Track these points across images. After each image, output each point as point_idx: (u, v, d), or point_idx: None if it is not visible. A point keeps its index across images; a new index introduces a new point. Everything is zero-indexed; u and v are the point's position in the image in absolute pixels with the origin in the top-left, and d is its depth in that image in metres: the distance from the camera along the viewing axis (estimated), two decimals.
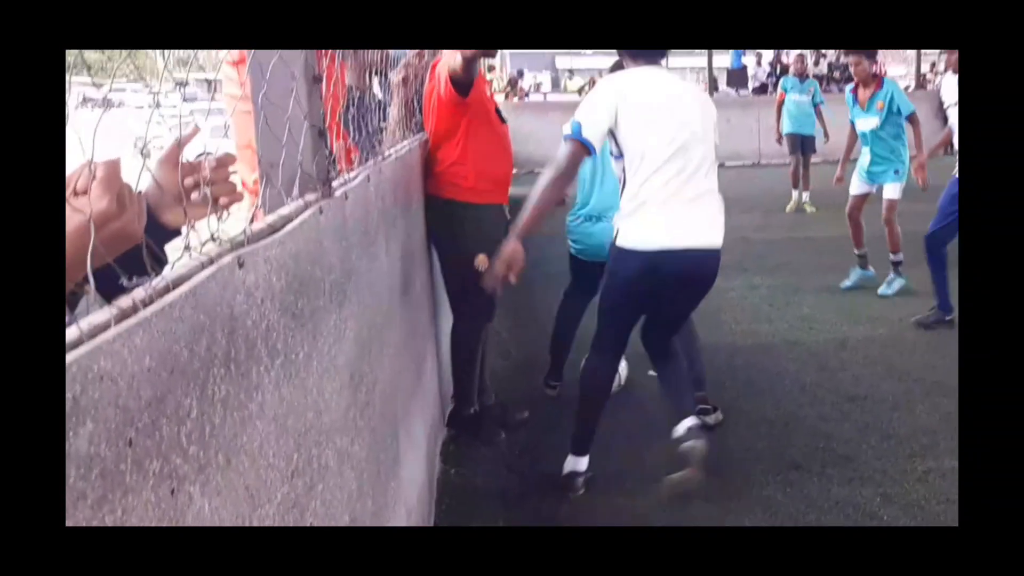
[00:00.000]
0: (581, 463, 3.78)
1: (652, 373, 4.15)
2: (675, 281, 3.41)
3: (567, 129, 3.48)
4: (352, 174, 2.28)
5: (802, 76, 11.88)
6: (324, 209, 1.84)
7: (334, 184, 2.03)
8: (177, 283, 1.17)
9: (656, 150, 3.34)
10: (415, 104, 4.10)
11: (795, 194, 11.67)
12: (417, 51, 4.15)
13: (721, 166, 13.35)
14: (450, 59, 3.76)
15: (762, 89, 20.96)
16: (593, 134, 3.29)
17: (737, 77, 22.01)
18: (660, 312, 3.68)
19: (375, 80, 3.71)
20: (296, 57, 1.86)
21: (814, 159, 11.93)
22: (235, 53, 2.42)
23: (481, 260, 3.89)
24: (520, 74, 24.03)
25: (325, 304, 1.79)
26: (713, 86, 20.93)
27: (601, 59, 31.67)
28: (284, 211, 1.67)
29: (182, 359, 1.12)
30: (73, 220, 1.13)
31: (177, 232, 1.58)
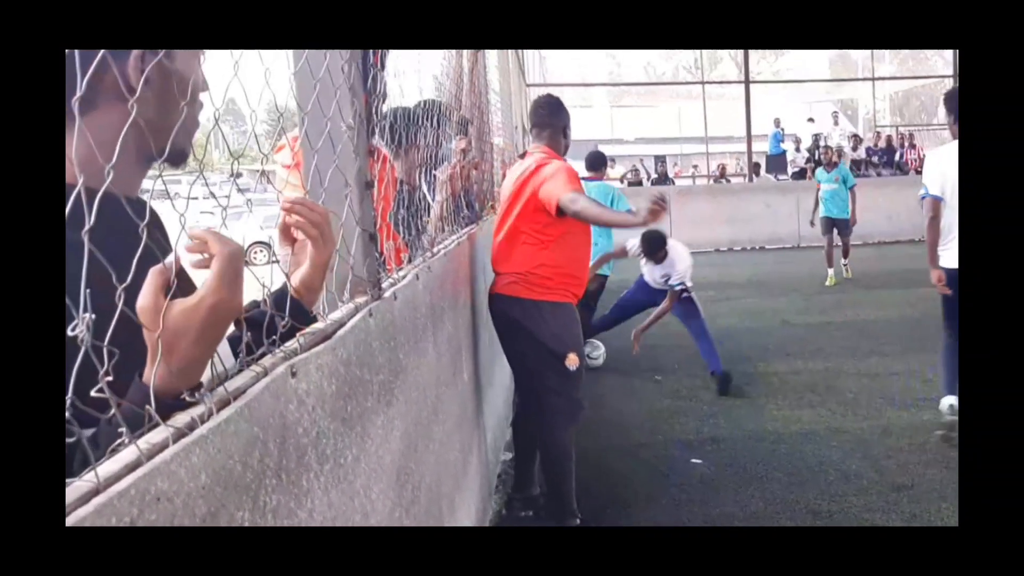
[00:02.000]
0: None
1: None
2: None
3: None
4: (401, 273, 2.30)
5: (830, 166, 12.63)
6: (374, 312, 1.85)
7: (383, 285, 2.04)
8: (235, 395, 1.18)
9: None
10: (462, 199, 4.15)
11: (831, 271, 12.37)
12: (462, 148, 4.21)
13: (761, 249, 13.60)
14: (562, 186, 3.77)
15: (801, 174, 20.98)
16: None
17: (776, 162, 22.05)
18: None
19: (423, 177, 3.77)
20: (349, 163, 1.90)
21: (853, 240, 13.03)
22: (287, 154, 2.47)
23: (572, 359, 3.91)
24: None
25: (373, 405, 1.79)
26: (754, 171, 21.03)
27: (640, 147, 31.99)
28: (336, 315, 1.69)
29: (236, 473, 1.12)
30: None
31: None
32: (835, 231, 12.32)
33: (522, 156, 4.19)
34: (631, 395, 6.65)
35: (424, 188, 3.81)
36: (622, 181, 21.45)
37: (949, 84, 21.87)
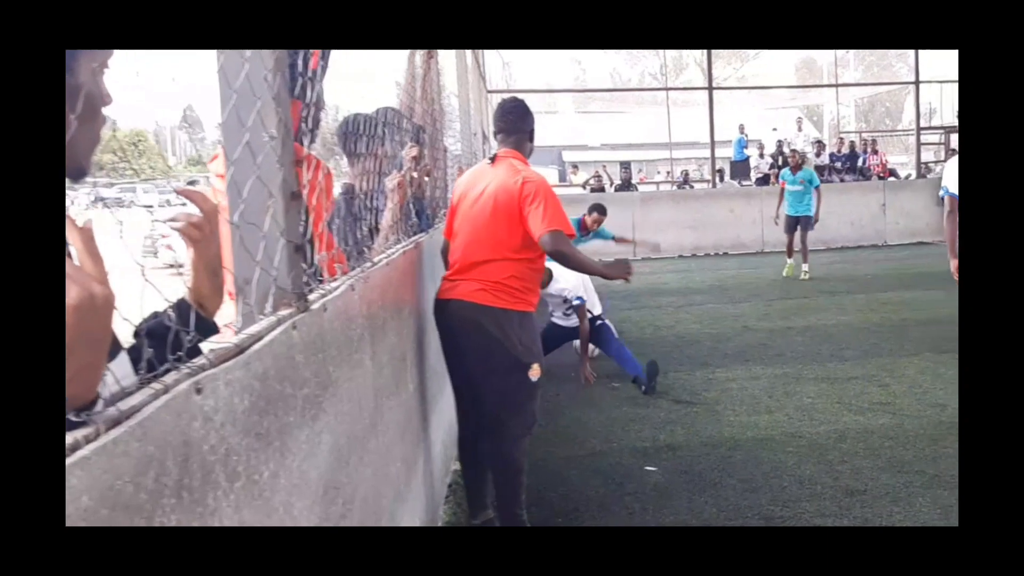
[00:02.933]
0: None
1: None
2: None
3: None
4: (334, 284, 2.27)
5: (795, 168, 13.66)
6: (299, 324, 1.82)
7: (312, 297, 2.02)
8: (129, 414, 1.15)
9: None
10: (411, 207, 4.12)
11: (789, 261, 13.76)
12: (414, 156, 4.19)
13: (724, 255, 13.76)
14: (550, 219, 3.76)
15: (764, 180, 21.11)
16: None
17: (740, 168, 22.19)
18: None
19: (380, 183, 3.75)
20: (273, 174, 1.87)
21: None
22: (220, 163, 2.44)
23: (536, 370, 3.88)
24: None
25: (296, 420, 1.76)
26: (718, 177, 21.14)
27: (606, 153, 32.10)
28: (253, 329, 1.65)
29: (125, 494, 1.09)
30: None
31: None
32: (798, 228, 13.39)
33: (492, 160, 4.10)
34: (589, 403, 6.64)
35: (379, 196, 3.80)
36: (584, 187, 21.51)
37: (913, 90, 22.11)
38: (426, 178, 4.70)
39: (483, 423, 4.03)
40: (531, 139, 4.14)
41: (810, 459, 5.18)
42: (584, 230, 9.71)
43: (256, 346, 1.57)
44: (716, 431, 5.78)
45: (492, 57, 20.42)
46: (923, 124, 22.95)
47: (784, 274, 13.70)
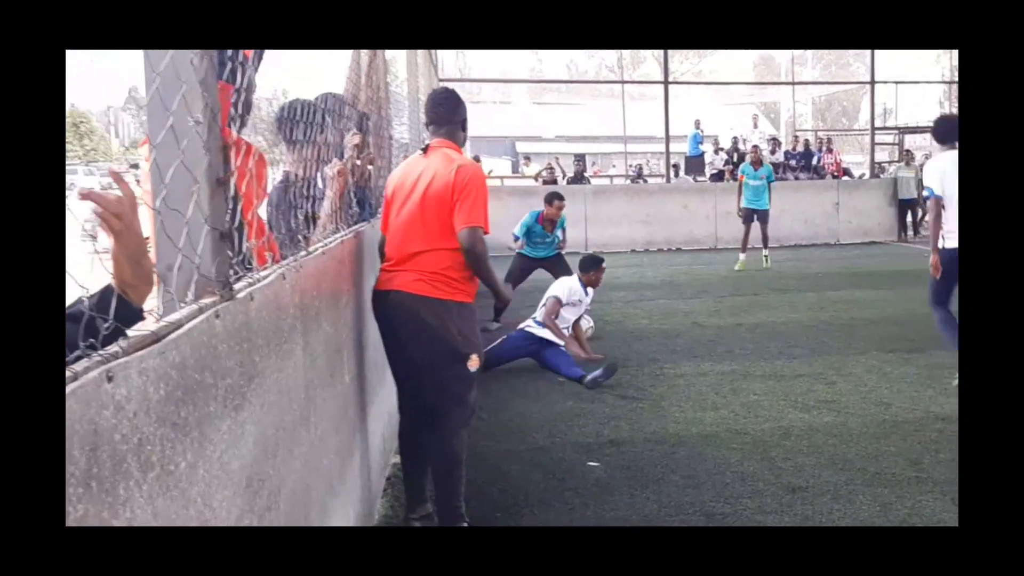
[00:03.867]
0: None
1: None
2: None
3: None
4: (263, 273, 2.26)
5: (757, 164, 14.39)
6: (222, 313, 1.82)
7: (238, 286, 2.01)
8: None
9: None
10: (352, 196, 4.10)
11: (742, 257, 14.34)
12: (356, 144, 4.17)
13: (677, 250, 13.83)
14: (473, 215, 3.77)
15: (719, 176, 21.30)
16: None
17: (695, 164, 22.36)
18: None
19: (319, 170, 3.73)
20: (198, 159, 1.86)
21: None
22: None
23: (475, 361, 3.88)
24: (476, 159, 24.19)
25: (217, 410, 1.76)
26: (673, 172, 21.28)
27: (560, 144, 32.14)
28: (173, 317, 1.65)
29: None
30: None
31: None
32: (755, 220, 14.26)
33: (424, 150, 4.09)
34: (533, 397, 6.66)
35: (320, 183, 3.78)
36: (537, 179, 21.54)
37: (868, 90, 22.42)
38: (369, 166, 4.68)
39: (423, 414, 4.03)
40: (463, 128, 4.14)
41: (753, 456, 5.24)
42: (545, 224, 9.79)
43: (174, 334, 1.57)
44: (661, 427, 5.83)
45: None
46: (878, 124, 23.28)
47: (737, 268, 14.19)
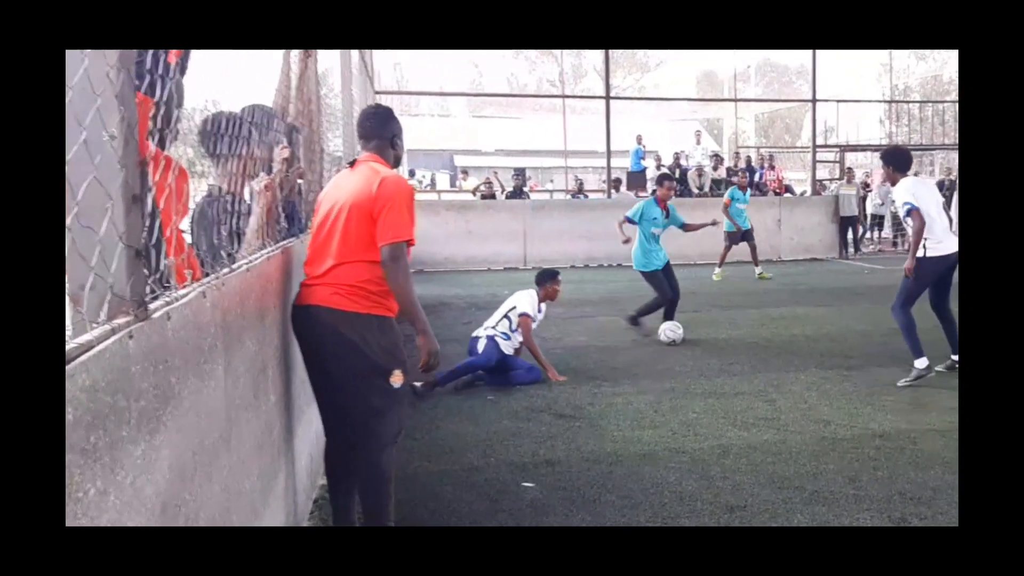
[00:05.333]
0: None
1: None
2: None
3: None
4: (183, 291, 2.24)
5: (743, 188, 15.98)
6: (136, 333, 1.80)
7: (154, 305, 1.99)
8: None
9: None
10: (280, 211, 4.08)
11: (719, 270, 15.74)
12: (286, 157, 4.15)
13: (618, 266, 13.91)
14: (396, 229, 3.73)
15: None
16: None
17: (637, 179, 22.53)
18: None
19: (246, 185, 3.70)
20: (113, 175, 1.84)
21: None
22: None
23: (398, 376, 3.83)
24: (411, 173, 24.17)
25: (130, 434, 1.74)
26: (615, 187, 21.45)
27: (500, 159, 32.22)
28: (84, 338, 1.63)
29: None
30: None
31: None
32: (743, 241, 15.62)
33: (352, 164, 4.09)
34: (467, 417, 6.65)
35: (247, 198, 3.75)
36: (475, 193, 21.58)
37: (810, 108, 22.83)
38: (300, 180, 4.66)
39: (348, 433, 3.99)
40: (394, 145, 4.12)
41: (692, 475, 5.29)
42: (663, 208, 9.95)
43: (84, 357, 1.55)
44: (598, 446, 5.86)
45: (382, 57, 20.33)
46: (820, 142, 23.72)
47: (714, 278, 15.47)
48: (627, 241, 10.12)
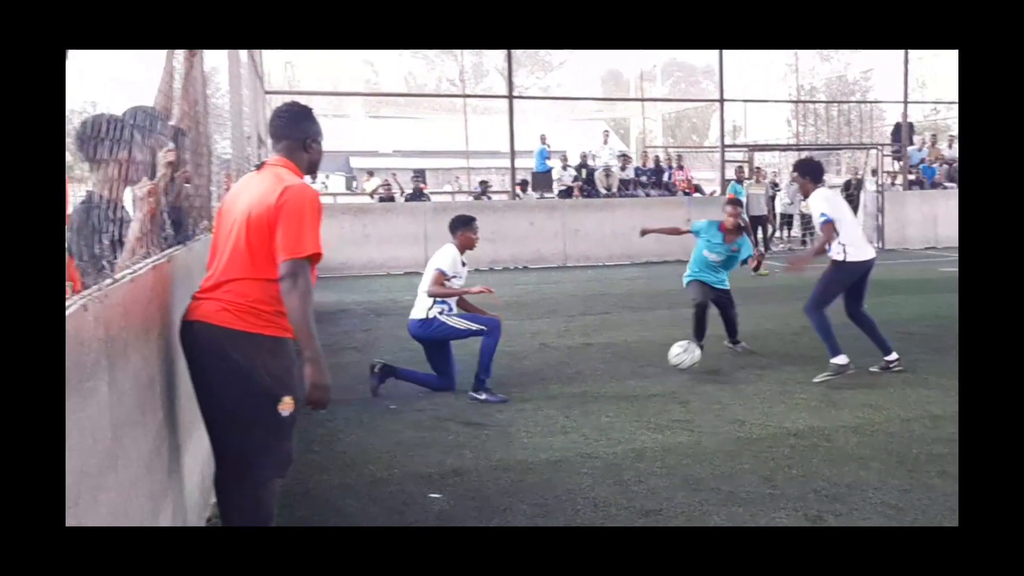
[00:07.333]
0: None
1: None
2: None
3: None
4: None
5: (740, 181, 17.43)
6: None
7: None
8: None
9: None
10: (165, 217, 3.99)
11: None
12: (171, 160, 4.06)
13: (524, 269, 13.98)
14: (299, 243, 3.51)
15: (568, 192, 21.66)
16: None
17: (542, 180, 22.67)
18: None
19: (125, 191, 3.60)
20: None
21: None
22: None
23: (288, 404, 3.59)
24: (313, 176, 23.83)
25: None
26: (521, 188, 21.55)
27: (398, 160, 32.12)
28: None
29: None
30: None
31: None
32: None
33: (259, 167, 3.90)
34: (368, 428, 6.60)
35: (127, 205, 3.64)
36: (373, 196, 21.47)
37: (717, 107, 23.34)
38: (186, 185, 4.57)
39: (226, 461, 3.72)
40: (307, 148, 3.88)
41: (605, 480, 5.33)
42: (727, 234, 9.16)
43: None
44: (507, 454, 5.87)
45: (272, 56, 20.10)
46: (728, 142, 24.21)
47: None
48: (644, 233, 10.11)
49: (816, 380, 7.74)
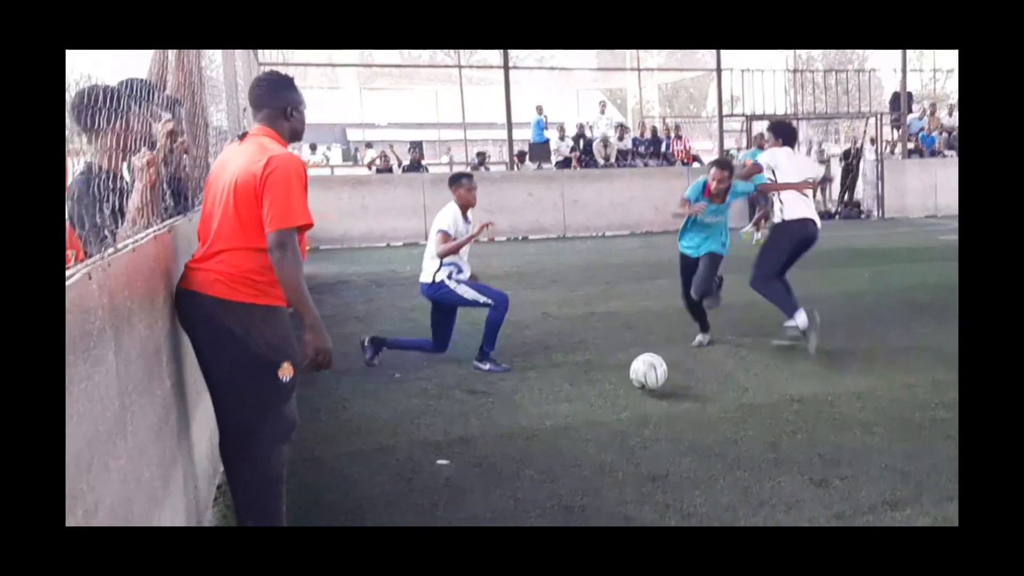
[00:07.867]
0: None
1: None
2: None
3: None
4: (67, 273, 2.17)
5: (762, 147, 15.37)
6: None
7: None
8: None
9: None
10: (165, 187, 3.97)
11: (751, 230, 15.93)
12: (168, 131, 4.04)
13: (524, 239, 13.96)
14: (285, 214, 3.52)
15: (566, 163, 21.61)
16: None
17: (539, 151, 22.60)
18: None
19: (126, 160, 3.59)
20: None
21: None
22: None
23: (287, 370, 3.64)
24: (313, 148, 23.87)
25: None
26: (519, 159, 21.51)
27: (395, 131, 31.97)
28: None
29: None
30: None
31: None
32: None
33: (242, 137, 3.89)
34: (373, 397, 6.62)
35: (126, 175, 3.62)
36: (370, 168, 21.43)
37: (715, 77, 23.27)
38: (184, 156, 4.55)
39: (229, 429, 3.75)
40: (288, 116, 3.86)
41: (611, 446, 5.35)
42: (711, 196, 8.25)
43: None
44: (513, 421, 5.89)
45: None
46: (726, 111, 24.13)
47: (751, 240, 14.78)
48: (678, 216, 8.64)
49: (774, 344, 7.90)
